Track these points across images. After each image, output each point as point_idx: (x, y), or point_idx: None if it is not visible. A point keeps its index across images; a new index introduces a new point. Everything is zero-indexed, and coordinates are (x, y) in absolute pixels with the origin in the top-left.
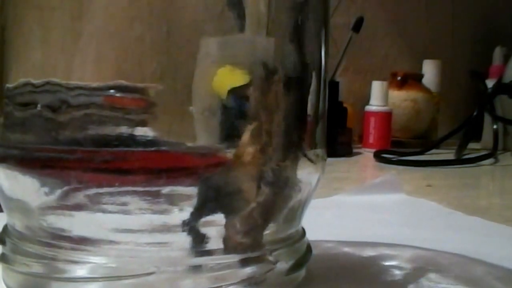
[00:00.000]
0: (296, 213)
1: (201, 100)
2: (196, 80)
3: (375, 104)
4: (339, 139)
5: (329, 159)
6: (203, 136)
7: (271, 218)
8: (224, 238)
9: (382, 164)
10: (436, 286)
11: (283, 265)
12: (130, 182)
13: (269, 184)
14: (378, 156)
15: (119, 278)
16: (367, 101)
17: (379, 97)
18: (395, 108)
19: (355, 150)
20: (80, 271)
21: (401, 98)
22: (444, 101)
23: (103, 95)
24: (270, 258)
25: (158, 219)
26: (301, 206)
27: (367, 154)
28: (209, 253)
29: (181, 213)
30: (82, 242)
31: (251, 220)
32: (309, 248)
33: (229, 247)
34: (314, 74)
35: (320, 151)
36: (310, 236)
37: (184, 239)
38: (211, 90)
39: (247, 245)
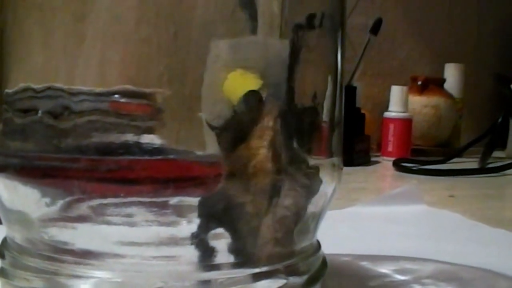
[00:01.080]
0: (311, 225)
1: (211, 106)
2: (206, 85)
3: (394, 110)
4: (356, 147)
5: (346, 168)
6: (213, 144)
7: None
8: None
9: (402, 174)
10: None
11: (297, 280)
12: (136, 193)
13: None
14: (397, 165)
15: None
16: (386, 107)
17: (399, 102)
18: (416, 114)
19: (373, 159)
20: (84, 287)
21: (421, 104)
22: (467, 107)
23: (107, 100)
24: (283, 272)
25: (165, 232)
26: (316, 218)
27: (386, 163)
28: (218, 267)
29: (190, 225)
30: (85, 255)
31: (283, 227)
32: (324, 262)
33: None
34: (330, 78)
35: (336, 159)
36: (325, 249)
37: (192, 253)
38: (222, 95)
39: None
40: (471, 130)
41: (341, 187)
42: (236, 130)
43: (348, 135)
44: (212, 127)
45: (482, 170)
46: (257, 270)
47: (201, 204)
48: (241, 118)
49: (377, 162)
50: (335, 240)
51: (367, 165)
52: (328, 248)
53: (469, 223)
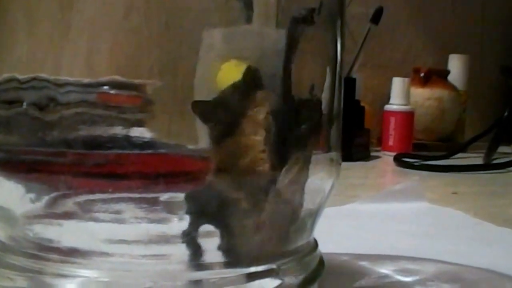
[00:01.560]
0: (307, 223)
1: (204, 97)
2: (199, 76)
3: (395, 103)
4: (356, 141)
5: (345, 163)
6: (205, 137)
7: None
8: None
9: (403, 169)
10: None
11: (292, 280)
12: (124, 188)
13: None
14: (398, 160)
15: None
16: (386, 100)
17: (400, 95)
18: (418, 107)
19: (373, 154)
20: (70, 286)
21: (424, 96)
22: (472, 100)
23: (95, 92)
24: (278, 272)
25: (155, 229)
26: (313, 216)
27: (386, 158)
28: (210, 266)
29: (181, 223)
30: (71, 254)
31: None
32: (321, 262)
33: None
34: (328, 70)
35: (334, 154)
36: (322, 248)
37: (183, 251)
38: (215, 86)
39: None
40: (476, 124)
41: (340, 183)
42: (228, 123)
43: (347, 128)
44: (204, 120)
45: (487, 166)
46: (250, 270)
47: (188, 200)
48: (234, 107)
49: (377, 157)
50: (332, 239)
51: (366, 160)
52: (326, 247)
53: (473, 221)
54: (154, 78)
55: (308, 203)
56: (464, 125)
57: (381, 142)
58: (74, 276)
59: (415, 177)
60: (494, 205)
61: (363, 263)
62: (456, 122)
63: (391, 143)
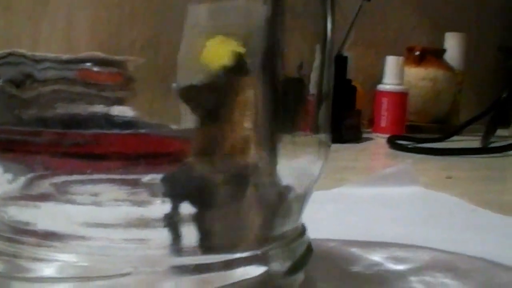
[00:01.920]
0: (295, 207)
1: (188, 75)
2: (182, 53)
3: (388, 82)
4: (347, 123)
5: (335, 145)
6: (189, 117)
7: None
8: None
9: (396, 152)
10: None
11: (278, 267)
12: (104, 169)
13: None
14: (392, 142)
15: (90, 279)
16: (379, 80)
17: (393, 74)
18: (412, 87)
19: (364, 135)
20: (47, 270)
21: (418, 76)
22: (468, 81)
23: (74, 68)
24: (264, 259)
25: (135, 212)
26: (301, 200)
27: (379, 140)
28: (192, 252)
29: (163, 206)
30: (48, 237)
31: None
32: (309, 248)
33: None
34: (317, 47)
35: (323, 136)
36: (310, 233)
37: (165, 236)
38: (200, 64)
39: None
40: (472, 106)
41: (329, 166)
42: (212, 102)
43: (337, 109)
44: (186, 99)
45: (483, 150)
46: (234, 256)
47: (165, 182)
48: (219, 87)
49: (369, 139)
50: (320, 224)
51: (358, 142)
52: (313, 232)
53: (468, 207)
54: (136, 55)
55: (296, 187)
56: (460, 106)
57: (373, 124)
58: (51, 260)
59: (408, 160)
60: (490, 190)
61: (353, 250)
62: (452, 103)
63: (383, 124)
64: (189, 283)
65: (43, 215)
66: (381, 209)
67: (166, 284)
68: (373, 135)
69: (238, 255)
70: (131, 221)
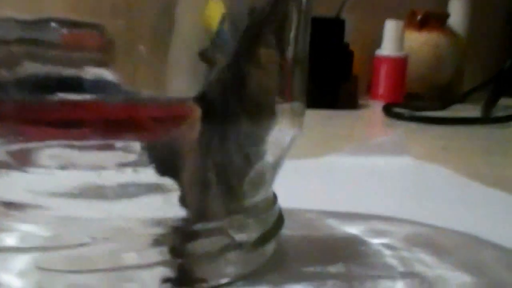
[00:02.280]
0: (265, 176)
1: (186, 37)
2: (181, 11)
3: (387, 48)
4: (342, 89)
5: (330, 112)
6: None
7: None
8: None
9: (392, 120)
10: (431, 272)
11: (244, 238)
12: (63, 136)
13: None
14: (387, 110)
15: (49, 249)
16: (379, 45)
17: (393, 40)
18: (412, 53)
19: (361, 102)
20: (8, 240)
21: (420, 41)
22: (473, 48)
23: (43, 29)
24: (229, 230)
25: (95, 182)
26: (271, 170)
27: (375, 108)
28: (155, 223)
29: (123, 175)
30: (7, 206)
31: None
32: (280, 219)
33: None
34: (293, 7)
35: (296, 104)
36: (291, 203)
37: (125, 206)
38: (201, 23)
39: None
40: (477, 74)
41: (321, 133)
42: None
43: (332, 75)
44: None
45: (484, 120)
46: (196, 227)
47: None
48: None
49: (366, 106)
50: (302, 194)
51: (354, 109)
52: (294, 201)
53: (460, 180)
54: (118, 16)
55: (266, 156)
56: (463, 74)
57: (370, 90)
58: (12, 230)
59: (401, 129)
60: (487, 162)
61: (330, 221)
62: (455, 71)
63: (381, 91)
64: (152, 255)
65: (1, 184)
66: (368, 180)
67: (127, 255)
68: (370, 102)
69: (200, 226)
70: (90, 190)
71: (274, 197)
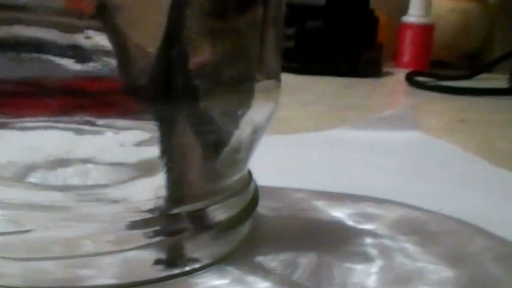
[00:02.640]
0: (237, 157)
1: None
2: None
3: (413, 14)
4: (365, 56)
5: (349, 80)
6: None
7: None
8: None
9: (414, 89)
10: (411, 265)
11: (213, 221)
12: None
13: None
14: (409, 79)
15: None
16: (406, 11)
17: (420, 5)
18: (440, 20)
19: (386, 70)
20: None
21: (447, 8)
22: (503, 14)
23: None
24: (205, 210)
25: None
26: (246, 148)
27: (399, 76)
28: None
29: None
30: None
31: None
32: (254, 200)
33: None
34: None
35: (270, 79)
36: (283, 182)
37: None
38: None
39: None
40: (507, 42)
41: (336, 103)
42: None
43: (355, 41)
44: None
45: (510, 91)
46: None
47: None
48: None
49: (390, 73)
50: (297, 171)
51: (377, 77)
52: (285, 180)
53: (467, 158)
54: None
55: (238, 136)
56: (493, 42)
57: (396, 58)
58: None
59: (420, 99)
60: (504, 137)
61: (319, 203)
62: (483, 38)
63: (406, 59)
64: (102, 244)
65: None
66: (371, 156)
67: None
68: (395, 70)
69: (177, 210)
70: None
71: (250, 176)
